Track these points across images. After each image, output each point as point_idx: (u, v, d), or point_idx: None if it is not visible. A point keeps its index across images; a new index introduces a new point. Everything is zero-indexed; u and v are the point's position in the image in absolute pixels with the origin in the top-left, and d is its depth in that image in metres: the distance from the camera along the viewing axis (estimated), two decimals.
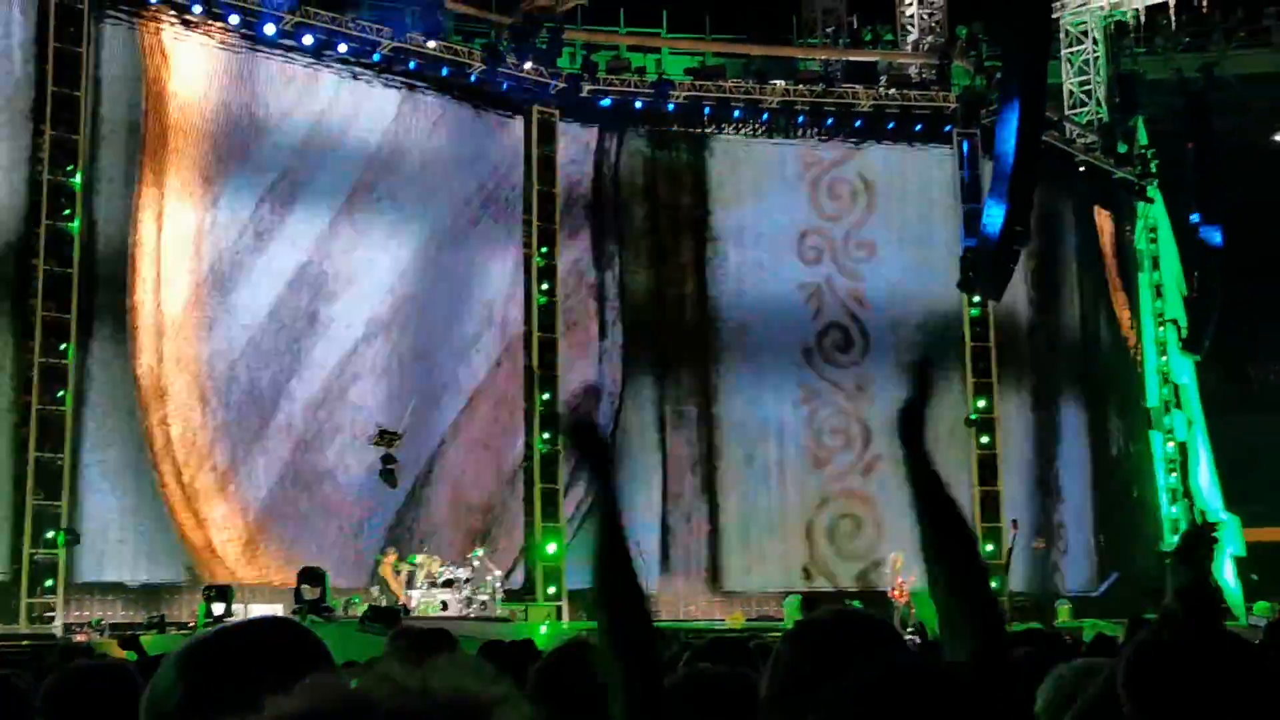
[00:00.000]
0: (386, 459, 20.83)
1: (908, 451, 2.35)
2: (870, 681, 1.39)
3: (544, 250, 24.81)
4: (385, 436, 20.79)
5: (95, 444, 20.05)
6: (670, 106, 25.79)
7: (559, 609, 23.14)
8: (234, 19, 21.61)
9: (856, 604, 16.62)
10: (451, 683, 0.99)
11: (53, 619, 18.61)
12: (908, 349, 26.33)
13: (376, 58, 23.05)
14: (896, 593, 21.27)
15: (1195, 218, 29.71)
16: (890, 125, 27.00)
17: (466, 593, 19.59)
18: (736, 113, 26.35)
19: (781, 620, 20.70)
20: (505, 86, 24.44)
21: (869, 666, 1.41)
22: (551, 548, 23.72)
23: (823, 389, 26.37)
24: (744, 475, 25.94)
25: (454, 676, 1.00)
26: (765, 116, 26.54)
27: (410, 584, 19.72)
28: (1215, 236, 29.21)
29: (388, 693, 0.99)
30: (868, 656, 1.45)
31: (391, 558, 20.00)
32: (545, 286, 24.72)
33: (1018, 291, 26.58)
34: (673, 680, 2.73)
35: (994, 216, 23.18)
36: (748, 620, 22.67)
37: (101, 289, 20.35)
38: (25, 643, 16.43)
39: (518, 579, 23.44)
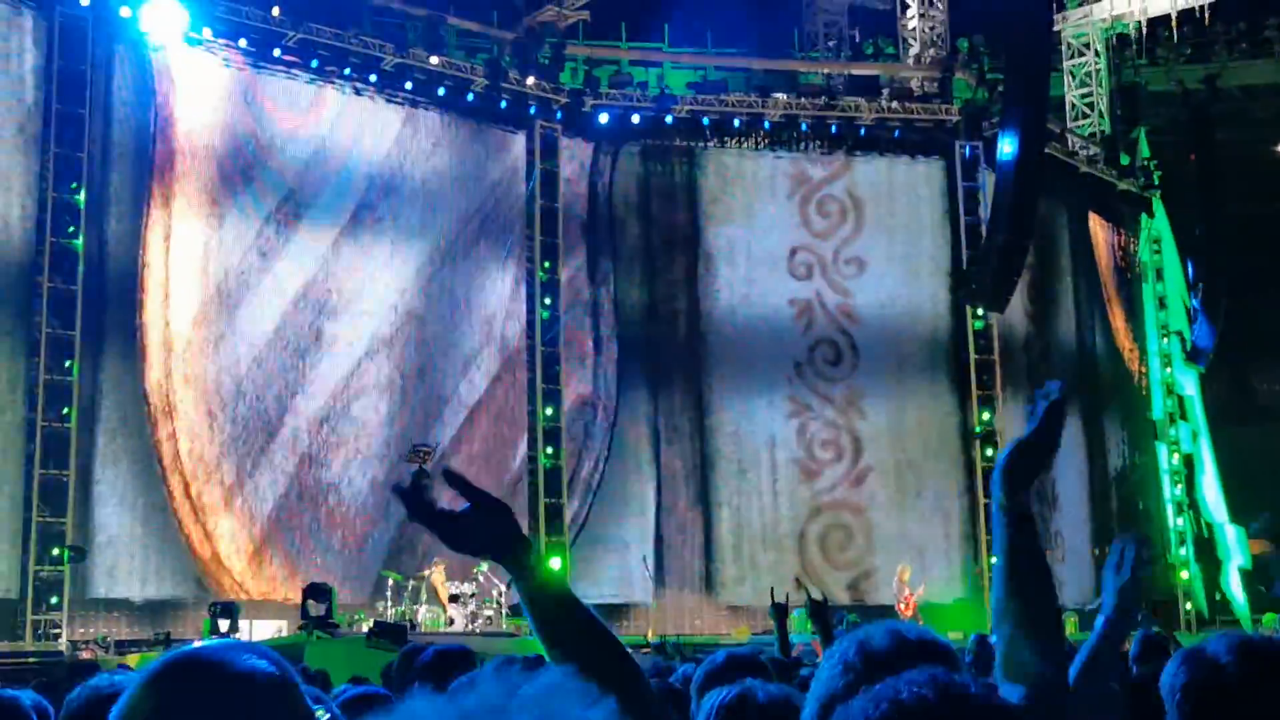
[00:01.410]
0: (419, 474, 21.12)
1: (1009, 496, 2.26)
2: (885, 700, 1.37)
3: (546, 265, 24.85)
4: (419, 452, 21.10)
5: (105, 460, 20.12)
6: (671, 120, 25.83)
7: None
8: (242, 40, 21.72)
9: (852, 617, 16.57)
10: (542, 713, 0.95)
11: (59, 636, 18.61)
12: (899, 362, 26.45)
13: (374, 78, 23.10)
14: (903, 606, 21.19)
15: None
16: (894, 137, 27.02)
17: (472, 607, 19.56)
18: (736, 123, 26.34)
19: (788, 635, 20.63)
20: (507, 102, 24.50)
21: (887, 684, 1.38)
22: (555, 562, 23.70)
23: (813, 402, 26.48)
24: (737, 487, 26.01)
25: (544, 704, 0.96)
26: (767, 127, 26.56)
27: (416, 599, 19.69)
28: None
29: None
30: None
31: (440, 568, 20.02)
32: (548, 301, 24.76)
33: (1014, 303, 26.63)
34: (724, 700, 2.69)
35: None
36: (753, 634, 22.61)
37: (111, 307, 20.48)
38: (32, 660, 16.43)
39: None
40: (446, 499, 2.15)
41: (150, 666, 1.71)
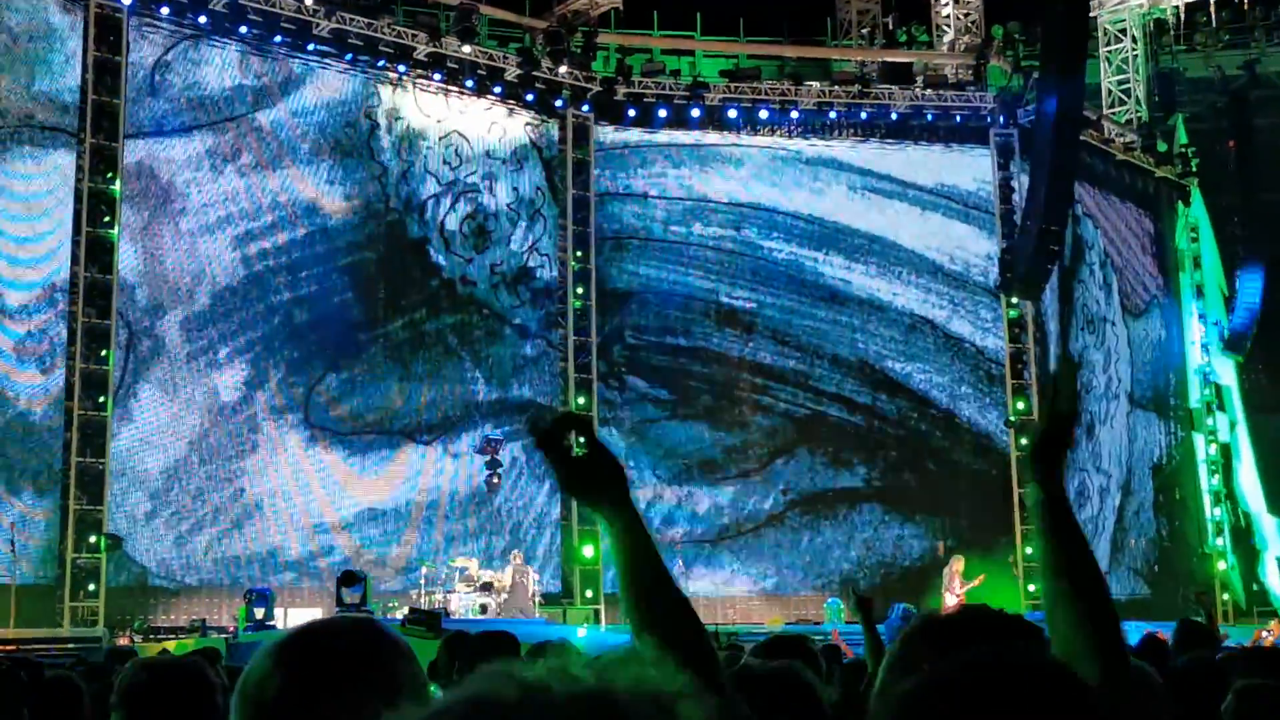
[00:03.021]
0: (492, 464, 22.13)
1: (1046, 481, 2.23)
2: (951, 672, 1.32)
3: (579, 254, 24.82)
4: (490, 443, 21.95)
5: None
6: (701, 109, 25.71)
7: (596, 612, 23.12)
8: (276, 36, 21.81)
9: (912, 607, 16.46)
10: (631, 676, 0.97)
11: (95, 622, 18.74)
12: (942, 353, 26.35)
13: (403, 68, 23.10)
14: (950, 598, 21.02)
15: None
16: (927, 126, 26.84)
17: (504, 597, 19.58)
18: (766, 113, 26.17)
19: (822, 624, 20.58)
20: (539, 91, 24.47)
21: (955, 657, 1.33)
22: (588, 551, 23.71)
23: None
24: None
25: (632, 669, 0.98)
26: (799, 115, 26.42)
27: (450, 587, 19.75)
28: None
29: (566, 685, 0.98)
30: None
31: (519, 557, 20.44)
32: (580, 290, 24.74)
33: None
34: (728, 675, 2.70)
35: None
36: (785, 623, 22.56)
37: None
38: (70, 645, 16.54)
39: (555, 581, 23.47)
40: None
41: (277, 639, 1.76)
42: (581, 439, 2.17)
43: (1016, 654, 1.38)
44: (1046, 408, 2.31)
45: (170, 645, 16.08)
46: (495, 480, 22.61)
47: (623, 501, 2.17)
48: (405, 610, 18.12)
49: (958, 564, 21.37)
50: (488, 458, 22.07)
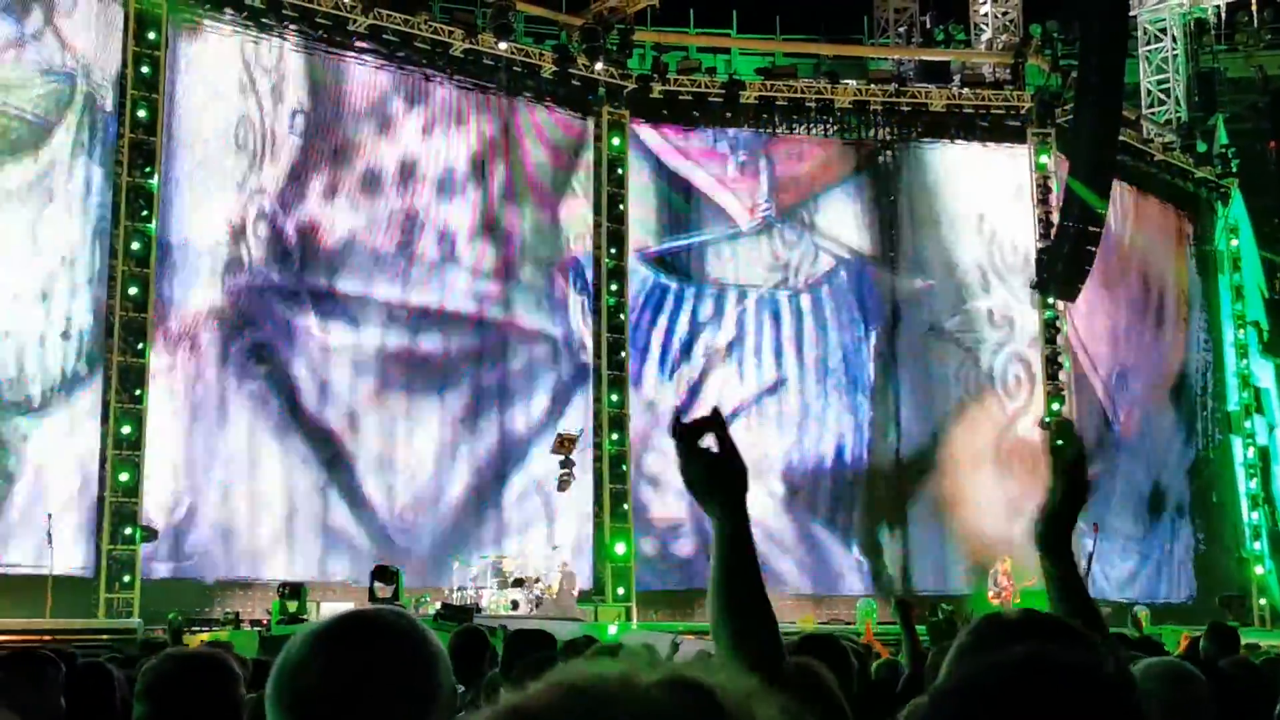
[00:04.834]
0: (565, 463, 21.30)
1: (1057, 561, 2.41)
2: (994, 670, 1.31)
3: (613, 251, 24.83)
4: (564, 440, 21.21)
5: None
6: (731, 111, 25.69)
7: (628, 609, 23.13)
8: (312, 28, 21.88)
9: (947, 607, 16.40)
10: (702, 676, 0.99)
11: (131, 613, 18.87)
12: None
13: (441, 63, 23.13)
14: (994, 596, 20.91)
15: None
16: (964, 125, 26.67)
17: (537, 592, 19.60)
18: (794, 118, 26.07)
19: (854, 625, 20.52)
20: (574, 88, 24.47)
21: (998, 655, 1.33)
22: (620, 548, 23.71)
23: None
24: None
25: (704, 671, 0.99)
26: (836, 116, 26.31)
27: (481, 582, 19.79)
28: None
29: (650, 676, 0.99)
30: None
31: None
32: (614, 287, 24.74)
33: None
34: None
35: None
36: (818, 623, 22.49)
37: None
38: (105, 637, 16.66)
39: (587, 579, 23.44)
40: None
41: (317, 625, 1.78)
42: (717, 439, 2.17)
43: (1054, 654, 1.37)
44: (1055, 485, 2.42)
45: (204, 637, 16.17)
46: (570, 477, 21.53)
47: (736, 508, 2.18)
48: (437, 605, 18.16)
49: (1004, 563, 21.30)
50: (561, 456, 21.20)
